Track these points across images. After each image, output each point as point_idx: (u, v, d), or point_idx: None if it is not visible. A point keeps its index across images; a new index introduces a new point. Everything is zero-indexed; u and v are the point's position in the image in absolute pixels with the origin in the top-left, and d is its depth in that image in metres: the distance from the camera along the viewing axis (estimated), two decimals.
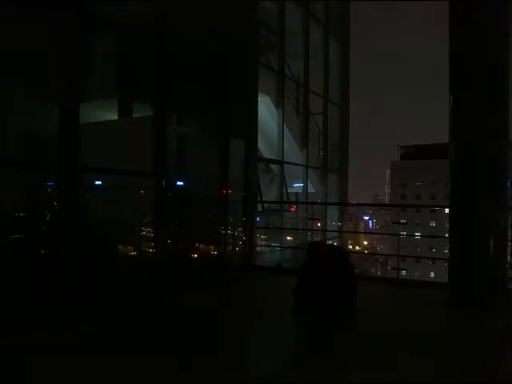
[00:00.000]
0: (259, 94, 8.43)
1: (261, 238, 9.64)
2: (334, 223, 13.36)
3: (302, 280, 4.85)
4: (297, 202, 11.96)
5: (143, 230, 6.26)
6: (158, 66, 5.93)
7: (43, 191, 4.92)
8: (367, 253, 43.08)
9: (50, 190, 4.96)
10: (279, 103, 10.12)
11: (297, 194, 12.02)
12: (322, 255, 4.92)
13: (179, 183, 6.52)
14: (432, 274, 40.63)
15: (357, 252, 31.88)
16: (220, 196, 7.31)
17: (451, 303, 5.08)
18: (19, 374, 3.12)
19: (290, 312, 4.81)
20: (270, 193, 10.45)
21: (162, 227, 5.92)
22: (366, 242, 60.21)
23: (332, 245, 5.25)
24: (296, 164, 11.12)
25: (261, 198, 8.45)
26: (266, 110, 9.84)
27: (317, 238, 11.24)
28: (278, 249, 10.19)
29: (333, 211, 13.31)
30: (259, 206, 8.45)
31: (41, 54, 4.62)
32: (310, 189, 12.02)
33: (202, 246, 7.19)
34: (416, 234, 45.24)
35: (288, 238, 11.55)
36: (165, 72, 5.96)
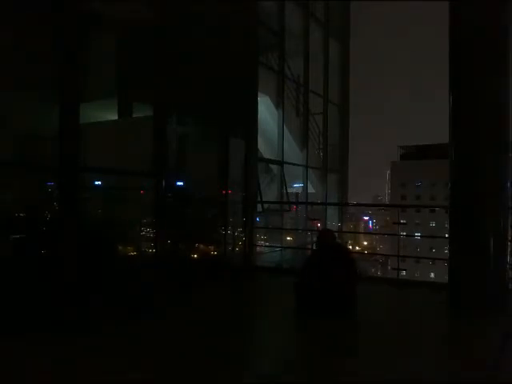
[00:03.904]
0: (259, 94, 8.43)
1: (261, 238, 9.63)
2: (334, 223, 13.36)
3: (305, 272, 4.90)
4: (297, 202, 11.96)
5: (143, 230, 6.26)
6: (157, 65, 5.93)
7: (43, 191, 4.92)
8: (367, 253, 43.00)
9: (50, 189, 4.95)
10: (279, 103, 10.12)
11: (297, 194, 12.02)
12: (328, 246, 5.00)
13: (179, 183, 6.52)
14: (432, 275, 40.59)
15: (357, 252, 31.87)
16: (220, 196, 7.31)
17: (451, 303, 5.08)
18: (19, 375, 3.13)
19: (290, 312, 4.80)
20: (269, 193, 10.45)
21: (162, 227, 5.92)
22: (365, 243, 60.12)
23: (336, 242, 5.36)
24: (296, 164, 11.11)
25: (261, 198, 8.45)
26: (266, 110, 9.84)
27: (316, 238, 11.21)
28: (278, 249, 10.19)
29: (333, 211, 13.31)
30: (259, 206, 8.44)
31: (41, 54, 4.62)
32: (310, 189, 12.01)
33: (201, 246, 7.18)
34: (416, 234, 45.19)
35: (288, 238, 11.55)
36: (165, 72, 5.95)
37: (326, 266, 4.79)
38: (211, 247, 7.35)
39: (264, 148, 10.22)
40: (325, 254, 4.95)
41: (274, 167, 10.62)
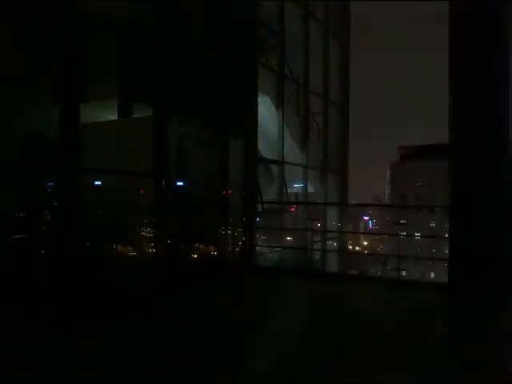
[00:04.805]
0: (259, 94, 8.42)
1: (261, 238, 9.63)
2: (333, 223, 13.35)
3: None
4: (297, 202, 11.95)
5: (143, 230, 6.25)
6: (157, 66, 5.93)
7: (43, 191, 4.91)
8: (367, 253, 42.99)
9: (50, 190, 4.95)
10: (279, 103, 10.11)
11: (297, 194, 12.01)
12: None
13: (179, 183, 6.52)
14: (432, 275, 40.59)
15: (357, 252, 31.91)
16: (220, 196, 7.31)
17: (451, 303, 5.08)
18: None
19: (290, 311, 4.80)
20: (269, 193, 10.44)
21: (162, 227, 5.92)
22: (365, 243, 60.10)
23: None
24: (296, 164, 11.11)
25: (261, 198, 8.44)
26: (265, 110, 9.83)
27: (316, 238, 11.23)
28: (278, 249, 10.18)
29: (332, 211, 13.30)
30: (259, 206, 8.44)
31: (41, 54, 4.61)
32: (310, 189, 12.01)
33: (201, 246, 7.18)
34: (416, 234, 45.16)
35: (288, 238, 11.54)
36: (165, 72, 5.95)
37: None
38: (211, 247, 7.34)
39: (264, 148, 10.21)
40: None
41: (274, 167, 10.61)
